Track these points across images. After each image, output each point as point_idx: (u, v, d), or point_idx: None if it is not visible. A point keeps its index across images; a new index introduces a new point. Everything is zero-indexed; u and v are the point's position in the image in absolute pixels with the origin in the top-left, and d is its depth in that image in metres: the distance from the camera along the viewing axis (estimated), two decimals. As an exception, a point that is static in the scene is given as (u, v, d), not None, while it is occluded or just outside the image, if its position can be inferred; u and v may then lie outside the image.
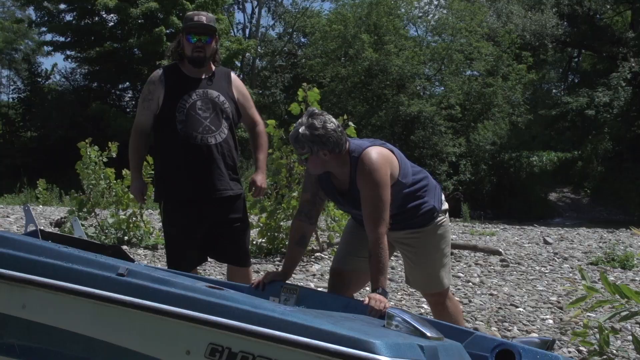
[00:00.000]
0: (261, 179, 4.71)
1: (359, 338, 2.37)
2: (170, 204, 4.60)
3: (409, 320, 2.65)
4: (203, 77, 4.56)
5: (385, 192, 3.67)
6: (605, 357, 3.03)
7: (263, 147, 4.77)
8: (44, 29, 33.37)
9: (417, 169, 4.04)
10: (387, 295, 3.62)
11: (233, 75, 4.78)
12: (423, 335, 2.57)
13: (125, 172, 9.05)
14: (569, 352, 4.80)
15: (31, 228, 4.08)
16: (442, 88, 31.74)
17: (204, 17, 4.51)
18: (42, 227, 4.09)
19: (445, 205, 4.12)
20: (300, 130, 3.68)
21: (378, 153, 3.74)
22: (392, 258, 4.57)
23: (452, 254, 9.19)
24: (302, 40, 40.21)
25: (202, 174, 4.48)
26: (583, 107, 29.98)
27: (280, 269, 4.13)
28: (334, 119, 3.75)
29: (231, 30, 35.63)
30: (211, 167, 4.48)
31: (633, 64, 30.22)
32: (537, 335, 5.15)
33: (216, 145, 4.49)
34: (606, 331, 2.97)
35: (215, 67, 4.65)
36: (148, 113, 4.57)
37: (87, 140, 9.29)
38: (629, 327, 5.22)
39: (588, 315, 5.27)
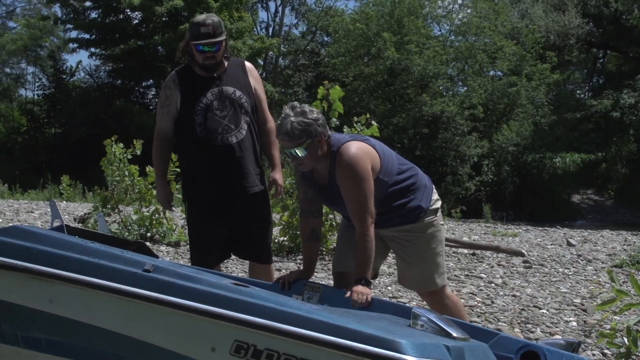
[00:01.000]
0: (280, 177, 4.68)
1: (385, 337, 2.37)
2: (193, 207, 4.62)
3: (434, 319, 2.64)
4: (216, 74, 4.52)
5: (367, 185, 3.65)
6: (633, 358, 3.01)
7: (275, 143, 4.64)
8: (69, 26, 33.66)
9: (406, 166, 3.99)
10: (370, 285, 3.63)
11: (248, 65, 4.72)
12: (449, 335, 2.56)
13: (149, 169, 9.10)
14: (593, 354, 4.76)
15: (57, 223, 4.11)
16: (465, 88, 31.60)
17: (210, 27, 4.41)
18: (67, 223, 4.11)
19: (437, 205, 4.07)
20: (291, 120, 3.61)
21: (357, 147, 3.71)
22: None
23: (474, 254, 9.18)
24: (325, 39, 40.23)
25: (226, 175, 4.47)
26: (607, 109, 29.72)
27: (301, 267, 4.12)
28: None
29: (254, 29, 35.73)
30: (235, 167, 4.47)
31: (659, 65, 29.96)
32: (561, 337, 5.10)
33: (238, 143, 4.47)
34: (634, 333, 2.94)
35: (227, 61, 4.59)
36: (168, 118, 4.56)
37: (112, 138, 9.35)
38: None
39: (614, 318, 5.22)
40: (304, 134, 3.61)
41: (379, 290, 6.58)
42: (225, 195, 4.49)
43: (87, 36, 32.88)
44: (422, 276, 4.05)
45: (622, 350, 3.01)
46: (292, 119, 3.61)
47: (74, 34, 34.07)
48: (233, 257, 7.64)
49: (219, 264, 4.75)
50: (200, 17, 4.47)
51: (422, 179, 4.03)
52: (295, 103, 3.75)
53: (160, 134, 4.63)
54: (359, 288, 3.52)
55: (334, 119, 7.93)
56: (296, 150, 3.65)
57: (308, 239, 3.99)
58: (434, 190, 4.13)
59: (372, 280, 3.73)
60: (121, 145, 9.46)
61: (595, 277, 7.96)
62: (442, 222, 4.13)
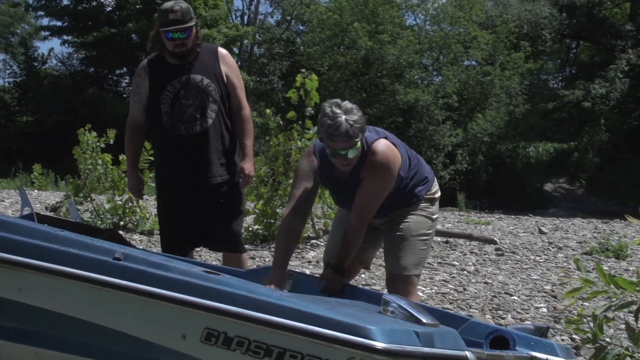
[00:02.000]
0: (249, 166, 4.53)
1: (355, 324, 2.38)
2: (162, 192, 4.62)
3: (404, 306, 2.66)
4: (186, 62, 4.45)
5: (387, 188, 3.70)
6: (598, 344, 3.04)
7: (249, 132, 4.55)
8: (41, 13, 33.29)
9: (413, 158, 3.99)
10: (343, 273, 3.69)
11: (221, 51, 4.60)
12: (419, 321, 2.58)
13: (122, 157, 9.04)
14: (563, 340, 4.82)
15: (27, 211, 4.08)
16: (440, 77, 31.69)
17: (179, 13, 4.32)
18: (37, 211, 4.08)
19: (435, 195, 4.08)
20: (345, 118, 3.46)
21: (388, 147, 3.69)
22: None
23: (447, 242, 9.23)
24: (301, 27, 40.12)
25: (189, 164, 4.44)
26: (579, 99, 29.99)
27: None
28: None
29: (229, 17, 35.55)
30: (198, 156, 4.43)
31: (631, 56, 30.22)
32: (531, 323, 5.16)
33: (202, 133, 4.41)
34: (600, 320, 2.98)
35: (199, 48, 4.51)
36: (139, 106, 4.53)
37: (86, 127, 9.28)
38: (622, 316, 5.24)
39: (582, 304, 5.29)
40: (360, 133, 3.52)
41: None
42: (188, 185, 4.47)
43: (59, 23, 32.55)
44: (399, 257, 3.93)
45: (589, 335, 3.04)
46: (346, 117, 3.47)
47: (45, 21, 33.77)
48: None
49: (189, 253, 4.73)
50: (168, 4, 4.36)
51: (425, 169, 4.04)
52: (338, 100, 3.60)
53: (131, 121, 4.61)
54: (331, 275, 3.53)
55: (309, 108, 7.92)
56: (350, 151, 3.53)
57: (293, 239, 3.80)
58: (435, 182, 4.14)
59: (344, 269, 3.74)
60: (94, 134, 9.39)
61: (565, 264, 8.05)
62: (435, 216, 4.08)
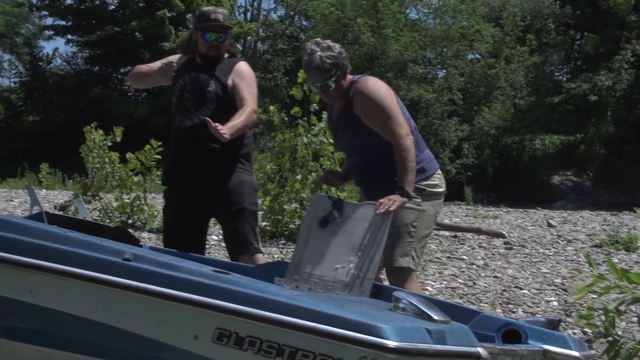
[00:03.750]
0: (222, 126, 4.02)
1: (366, 322, 2.38)
2: (164, 184, 4.69)
3: (415, 303, 2.64)
4: (206, 62, 4.45)
5: (390, 101, 3.84)
6: (610, 338, 3.04)
7: (242, 114, 4.21)
8: (44, 12, 33.30)
9: (422, 142, 4.09)
10: (407, 194, 3.70)
11: (239, 65, 4.48)
12: (430, 318, 2.57)
13: (129, 155, 9.05)
14: (574, 333, 4.82)
15: (36, 210, 4.09)
16: (444, 72, 31.58)
17: (220, 15, 4.38)
18: (46, 210, 4.09)
19: (429, 188, 4.00)
20: (319, 54, 3.75)
21: (375, 79, 3.97)
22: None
23: (455, 236, 9.21)
24: (304, 23, 40.01)
25: (180, 157, 4.48)
26: (586, 92, 29.86)
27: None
28: None
29: (233, 14, 35.53)
30: (187, 151, 4.42)
31: (636, 47, 30.08)
32: (542, 316, 5.15)
33: (192, 127, 4.36)
34: (611, 313, 2.98)
35: (229, 57, 4.51)
36: (156, 65, 4.57)
37: (92, 125, 9.28)
38: (634, 309, 5.23)
39: (592, 298, 5.27)
40: (334, 67, 3.78)
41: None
42: (179, 177, 4.49)
43: (63, 23, 32.57)
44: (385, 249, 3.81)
45: (601, 329, 3.04)
46: (320, 53, 3.76)
47: (49, 20, 33.79)
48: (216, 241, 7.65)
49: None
50: (209, 7, 4.57)
51: (424, 158, 4.04)
52: (318, 39, 3.92)
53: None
54: (392, 196, 3.61)
55: (314, 104, 7.91)
56: (327, 83, 3.81)
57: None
58: (435, 176, 4.07)
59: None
60: (101, 132, 9.38)
61: (575, 257, 8.03)
62: (421, 208, 3.96)
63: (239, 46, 34.33)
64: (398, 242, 3.91)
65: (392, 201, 3.55)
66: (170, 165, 4.60)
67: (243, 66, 4.51)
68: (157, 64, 4.60)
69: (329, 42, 3.85)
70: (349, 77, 3.95)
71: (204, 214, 4.51)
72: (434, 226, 4.21)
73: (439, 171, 4.17)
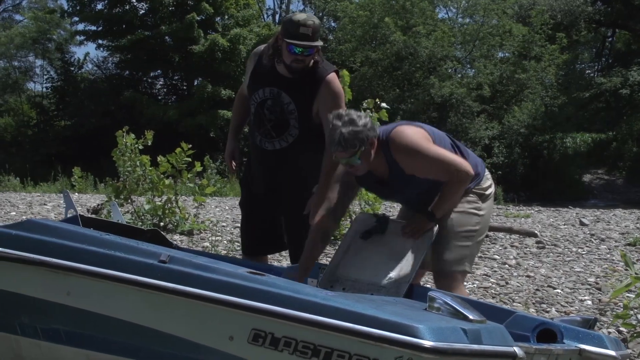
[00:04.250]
0: (310, 200, 4.19)
1: (402, 322, 2.38)
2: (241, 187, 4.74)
3: (450, 302, 2.64)
4: (289, 76, 4.22)
5: (431, 146, 3.70)
6: (647, 337, 3.01)
7: (324, 166, 4.16)
8: (75, 18, 33.64)
9: (461, 147, 4.00)
10: (435, 220, 3.75)
11: (328, 78, 4.21)
12: (465, 318, 2.56)
13: (160, 158, 9.12)
14: (609, 332, 4.76)
15: (71, 214, 4.14)
16: (473, 71, 31.41)
17: (310, 29, 4.06)
18: (81, 214, 4.13)
19: (485, 191, 4.01)
20: (342, 131, 3.54)
21: (403, 127, 3.77)
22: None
23: (487, 236, 9.15)
24: (333, 24, 40.03)
25: (258, 175, 4.44)
26: (617, 87, 29.53)
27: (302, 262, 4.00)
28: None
29: (261, 16, 35.65)
30: (266, 172, 4.39)
31: (669, 42, 29.73)
32: (577, 315, 5.11)
33: (273, 152, 4.29)
34: (649, 313, 2.95)
35: (317, 67, 4.22)
36: (246, 83, 4.49)
37: (124, 129, 9.36)
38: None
39: (627, 296, 5.22)
40: (357, 142, 3.56)
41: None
42: (259, 193, 4.50)
43: (94, 28, 32.89)
44: (440, 253, 3.93)
45: (637, 329, 3.01)
46: (342, 129, 3.54)
47: (80, 26, 34.14)
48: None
49: (263, 255, 4.72)
50: (301, 16, 4.13)
51: (473, 162, 3.97)
52: (341, 111, 3.69)
53: (240, 91, 4.65)
54: (419, 221, 3.69)
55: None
56: (351, 160, 3.62)
57: (321, 240, 3.90)
58: (487, 177, 4.07)
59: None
60: (132, 135, 9.46)
61: (609, 256, 7.94)
62: (483, 212, 3.97)
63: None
64: (454, 247, 3.92)
65: (417, 229, 3.65)
66: (249, 176, 4.56)
67: (330, 86, 4.22)
68: (231, 130, 4.73)
69: (353, 115, 3.62)
70: (380, 132, 3.75)
71: (272, 218, 4.54)
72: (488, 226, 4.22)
73: (486, 171, 4.16)
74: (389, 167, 3.75)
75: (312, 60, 4.20)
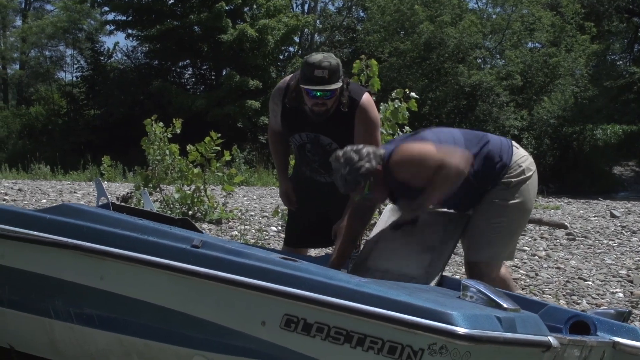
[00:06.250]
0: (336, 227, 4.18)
1: (437, 309, 2.36)
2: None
3: (484, 290, 2.61)
4: (316, 119, 4.11)
5: (423, 164, 3.63)
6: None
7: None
8: (106, 8, 33.81)
9: (474, 140, 3.90)
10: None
11: (362, 104, 4.10)
12: (499, 306, 2.53)
13: (189, 147, 9.16)
14: (641, 326, 4.72)
15: (103, 201, 4.17)
16: (503, 61, 31.11)
17: (326, 71, 3.88)
18: (112, 201, 4.17)
19: (514, 178, 3.93)
20: (342, 173, 3.60)
21: (401, 151, 3.70)
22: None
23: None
24: (362, 14, 39.91)
25: (311, 198, 4.43)
26: (649, 76, 29.16)
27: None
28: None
29: (290, 6, 35.60)
30: (319, 198, 4.40)
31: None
32: (611, 307, 5.06)
33: (326, 184, 4.27)
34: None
35: (343, 108, 4.08)
36: (275, 121, 4.40)
37: (152, 118, 9.41)
38: None
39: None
40: (360, 179, 3.61)
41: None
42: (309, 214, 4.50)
43: (123, 18, 33.04)
44: (469, 245, 3.94)
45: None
46: (342, 172, 3.61)
47: (110, 16, 34.28)
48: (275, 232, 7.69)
49: (305, 248, 4.72)
50: (316, 57, 3.95)
51: (494, 150, 3.91)
52: (339, 152, 3.68)
53: (271, 133, 4.56)
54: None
55: (374, 96, 7.84)
56: (364, 195, 3.68)
57: (351, 241, 3.99)
58: (515, 162, 3.99)
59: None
60: (161, 124, 9.51)
61: (640, 248, 7.86)
62: (514, 201, 3.89)
63: (296, 39, 34.39)
64: (485, 240, 3.88)
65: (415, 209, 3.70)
66: (301, 199, 4.54)
67: (363, 114, 4.12)
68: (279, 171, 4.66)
69: (349, 153, 3.62)
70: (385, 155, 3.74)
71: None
72: (529, 214, 4.12)
73: (516, 152, 4.04)
74: (397, 187, 3.79)
75: (336, 102, 4.06)
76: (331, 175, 4.00)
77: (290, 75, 4.29)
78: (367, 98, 4.13)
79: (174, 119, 9.42)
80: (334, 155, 3.68)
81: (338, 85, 3.96)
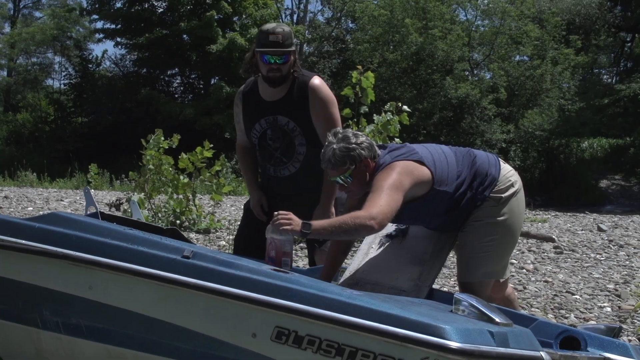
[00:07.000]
0: (320, 213, 4.17)
1: (429, 323, 2.35)
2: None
3: (476, 304, 2.61)
4: (276, 98, 4.23)
5: (395, 200, 3.38)
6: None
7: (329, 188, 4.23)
8: (95, 16, 33.82)
9: (460, 157, 3.79)
10: (308, 228, 3.24)
11: (312, 84, 4.23)
12: (492, 320, 2.53)
13: (182, 155, 9.12)
14: (630, 340, 4.72)
15: (91, 210, 4.13)
16: (491, 74, 31.26)
17: (280, 35, 4.08)
18: (101, 210, 4.13)
19: (502, 194, 3.81)
20: (333, 147, 3.47)
21: (396, 165, 3.50)
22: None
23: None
24: (351, 25, 40.01)
25: (277, 201, 4.30)
26: (636, 92, 29.32)
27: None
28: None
29: (279, 16, 35.67)
30: (286, 197, 4.31)
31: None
32: (596, 322, 5.07)
33: (292, 176, 4.29)
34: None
35: (297, 77, 4.24)
36: (240, 133, 4.49)
37: (157, 133, 9.25)
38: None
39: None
40: (347, 160, 3.47)
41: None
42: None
43: (112, 26, 33.04)
44: (460, 266, 3.85)
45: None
46: (334, 146, 3.48)
47: (99, 24, 34.28)
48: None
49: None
50: (270, 25, 4.16)
51: (482, 166, 3.80)
52: (339, 129, 3.64)
53: (238, 147, 4.60)
54: (296, 218, 3.29)
55: (365, 106, 7.87)
56: (341, 178, 3.52)
57: (341, 253, 3.86)
58: (504, 177, 3.89)
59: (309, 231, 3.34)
60: (161, 138, 9.38)
61: (628, 262, 7.88)
62: (502, 217, 3.78)
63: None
64: (476, 258, 3.78)
65: (291, 221, 3.26)
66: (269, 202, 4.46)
67: (316, 92, 4.23)
68: (249, 184, 4.60)
69: (348, 132, 3.55)
70: (379, 160, 3.59)
71: None
72: (520, 230, 4.02)
73: (503, 166, 3.97)
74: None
75: (291, 70, 4.19)
76: (293, 161, 4.16)
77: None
78: (317, 78, 4.27)
79: (173, 135, 9.28)
80: (333, 130, 3.62)
81: (291, 49, 4.13)
